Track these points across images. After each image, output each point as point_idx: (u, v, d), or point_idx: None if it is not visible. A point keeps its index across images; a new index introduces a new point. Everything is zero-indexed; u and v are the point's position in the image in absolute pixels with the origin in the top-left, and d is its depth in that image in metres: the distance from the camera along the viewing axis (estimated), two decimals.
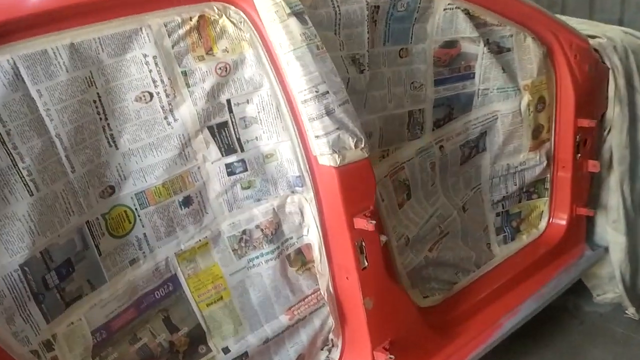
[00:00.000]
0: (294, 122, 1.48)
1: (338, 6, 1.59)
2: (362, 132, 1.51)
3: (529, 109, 2.09)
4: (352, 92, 1.65)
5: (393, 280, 1.73)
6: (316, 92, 1.44)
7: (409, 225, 1.88)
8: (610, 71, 2.28)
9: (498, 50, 2.01)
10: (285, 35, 1.42)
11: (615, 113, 2.32)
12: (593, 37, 2.38)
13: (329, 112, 1.45)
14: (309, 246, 1.60)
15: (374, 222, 1.51)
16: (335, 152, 1.47)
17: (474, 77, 1.99)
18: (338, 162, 1.48)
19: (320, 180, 1.53)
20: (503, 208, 2.23)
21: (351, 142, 1.49)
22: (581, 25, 2.56)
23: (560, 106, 2.19)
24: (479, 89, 2.01)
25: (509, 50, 2.03)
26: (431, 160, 1.96)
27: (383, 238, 1.64)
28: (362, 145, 1.51)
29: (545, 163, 2.21)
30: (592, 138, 2.30)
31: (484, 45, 1.94)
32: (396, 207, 1.86)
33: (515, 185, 2.20)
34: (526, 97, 2.07)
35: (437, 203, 2.01)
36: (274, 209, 1.53)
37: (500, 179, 2.18)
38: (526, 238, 2.30)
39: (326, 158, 1.48)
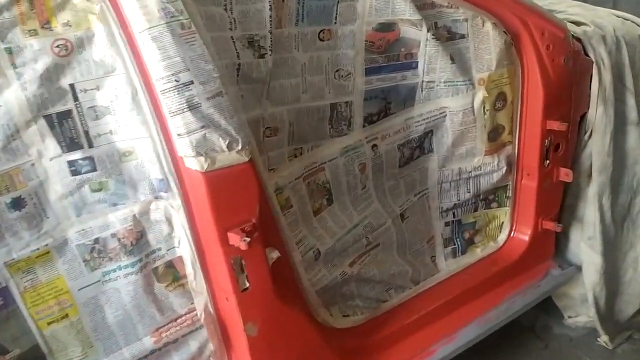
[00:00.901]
0: (155, 115, 1.23)
1: None
2: (239, 131, 1.26)
3: (484, 107, 1.79)
4: (246, 80, 1.40)
5: (289, 301, 1.49)
6: (176, 81, 1.19)
7: (322, 237, 1.62)
8: (594, 65, 1.96)
9: (449, 36, 1.71)
10: (139, 10, 1.17)
11: (597, 114, 2.00)
12: (579, 23, 2.05)
13: (192, 107, 1.20)
14: (182, 259, 1.37)
15: (247, 239, 1.27)
16: (201, 154, 1.23)
17: (416, 67, 1.71)
18: (205, 167, 1.24)
19: (189, 185, 1.29)
20: (454, 217, 1.96)
21: (222, 144, 1.24)
22: (572, 8, 2.23)
23: (526, 105, 1.88)
24: (422, 81, 1.73)
25: (463, 37, 1.73)
26: (361, 160, 1.69)
27: (273, 255, 1.40)
28: (239, 147, 1.26)
29: (504, 169, 1.92)
30: (567, 142, 1.99)
31: (428, 30, 1.64)
32: (310, 214, 1.61)
33: (469, 192, 1.92)
34: (481, 93, 1.77)
35: (367, 210, 1.75)
36: (134, 215, 1.30)
37: (451, 184, 1.90)
38: (481, 252, 2.03)
39: (191, 161, 1.24)
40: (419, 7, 1.63)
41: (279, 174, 1.53)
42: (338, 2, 1.53)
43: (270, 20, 1.41)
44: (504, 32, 1.76)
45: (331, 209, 1.67)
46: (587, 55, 1.96)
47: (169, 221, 1.32)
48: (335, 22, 1.55)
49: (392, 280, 1.81)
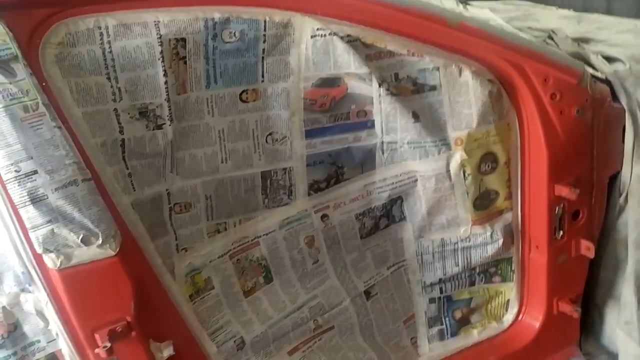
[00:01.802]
0: (8, 204, 1.12)
1: (109, 42, 1.16)
2: (100, 223, 1.11)
3: (463, 172, 1.48)
4: (138, 156, 1.24)
5: None
6: (16, 171, 1.06)
7: (250, 322, 1.43)
8: (627, 114, 1.55)
9: (415, 89, 1.43)
10: None
11: (634, 175, 1.59)
12: (613, 59, 1.64)
13: (35, 199, 1.07)
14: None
15: (108, 345, 1.11)
16: (50, 251, 1.09)
17: (372, 127, 1.44)
18: (58, 264, 1.10)
19: (54, 280, 1.16)
20: (442, 292, 1.66)
21: (75, 238, 1.09)
22: (619, 36, 1.82)
23: (528, 166, 1.54)
24: (382, 142, 1.46)
25: (433, 88, 1.43)
26: (307, 233, 1.47)
27: (165, 353, 1.23)
28: (99, 241, 1.11)
29: (501, 241, 1.58)
30: (590, 209, 1.60)
31: (380, 85, 1.37)
32: (239, 295, 1.42)
33: (457, 265, 1.61)
34: (458, 155, 1.46)
35: (318, 288, 1.52)
36: (3, 307, 1.19)
37: (434, 256, 1.60)
38: (478, 334, 1.70)
39: (44, 257, 1.11)
40: (372, 56, 1.37)
41: (194, 253, 1.36)
42: (263, 58, 1.31)
43: (167, 87, 1.23)
44: (489, 81, 1.43)
45: (269, 288, 1.46)
46: (616, 101, 1.56)
47: (41, 314, 1.20)
48: (263, 80, 1.34)
49: None
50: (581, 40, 1.83)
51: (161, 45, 1.20)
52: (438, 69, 1.41)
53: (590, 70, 1.55)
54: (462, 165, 1.47)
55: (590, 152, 1.54)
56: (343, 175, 1.47)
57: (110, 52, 1.17)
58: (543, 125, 1.47)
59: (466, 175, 1.48)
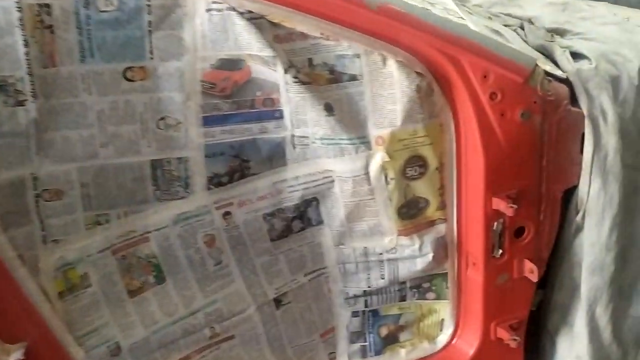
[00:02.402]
0: None
1: None
2: None
3: (384, 176, 1.30)
4: None
5: None
6: None
7: (133, 325, 1.29)
8: (587, 120, 1.34)
9: (332, 77, 1.25)
10: None
11: (592, 191, 1.38)
12: (582, 56, 1.42)
13: None
14: None
15: None
16: None
17: (281, 117, 1.27)
18: None
19: None
20: (367, 306, 1.49)
21: None
22: (603, 28, 1.60)
23: (464, 174, 1.35)
24: (292, 136, 1.29)
25: (353, 78, 1.25)
26: (206, 231, 1.31)
27: (13, 356, 1.11)
28: None
29: (431, 255, 1.40)
30: (537, 227, 1.40)
31: (286, 72, 1.20)
32: (122, 295, 1.28)
33: (383, 279, 1.44)
34: (379, 157, 1.28)
35: (220, 292, 1.37)
36: None
37: (357, 266, 1.43)
38: (406, 354, 1.53)
39: None
40: (281, 38, 1.19)
41: (67, 245, 1.22)
42: (150, 32, 1.15)
43: (28, 58, 1.08)
44: (418, 73, 1.24)
45: (161, 289, 1.32)
46: (575, 105, 1.35)
47: None
48: (152, 58, 1.18)
49: None
50: (556, 32, 1.61)
51: (20, 10, 1.05)
52: (359, 56, 1.23)
53: (547, 67, 1.34)
54: (384, 168, 1.29)
55: (539, 162, 1.34)
56: (249, 170, 1.31)
57: None
58: (480, 128, 1.27)
59: (388, 179, 1.30)
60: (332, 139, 1.27)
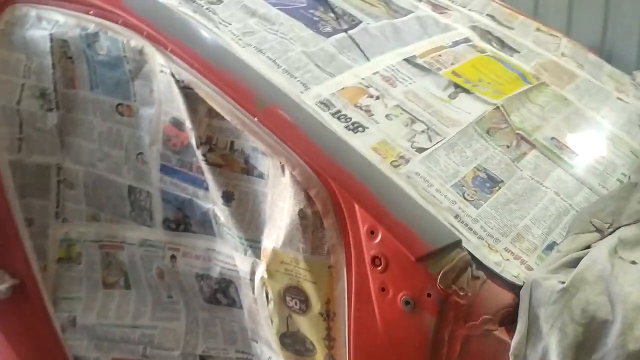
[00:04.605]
0: None
1: (28, 28, 1.39)
2: None
3: (265, 293, 1.13)
4: (31, 126, 1.45)
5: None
6: None
7: (91, 309, 1.51)
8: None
9: (245, 167, 1.14)
10: None
11: None
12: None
13: None
14: None
15: None
16: None
17: (208, 189, 1.23)
18: None
19: None
20: None
21: None
22: None
23: (356, 338, 1.04)
24: (213, 211, 1.24)
25: (261, 176, 1.12)
26: (158, 265, 1.42)
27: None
28: None
29: None
30: None
31: (198, 147, 1.17)
32: (98, 283, 1.52)
33: None
34: (262, 268, 1.12)
35: (164, 322, 1.46)
36: None
37: None
38: None
39: None
40: (212, 113, 1.17)
41: (71, 226, 1.52)
42: (132, 78, 1.30)
43: (54, 78, 1.39)
44: (308, 198, 1.02)
45: (126, 294, 1.50)
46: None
47: None
48: (135, 100, 1.33)
49: None
50: None
51: (51, 41, 1.35)
52: (266, 155, 1.09)
53: (491, 262, 0.89)
54: (264, 286, 1.12)
55: None
56: (190, 227, 1.33)
57: (26, 36, 1.40)
58: (357, 294, 0.97)
59: (268, 298, 1.13)
60: (229, 230, 1.18)
